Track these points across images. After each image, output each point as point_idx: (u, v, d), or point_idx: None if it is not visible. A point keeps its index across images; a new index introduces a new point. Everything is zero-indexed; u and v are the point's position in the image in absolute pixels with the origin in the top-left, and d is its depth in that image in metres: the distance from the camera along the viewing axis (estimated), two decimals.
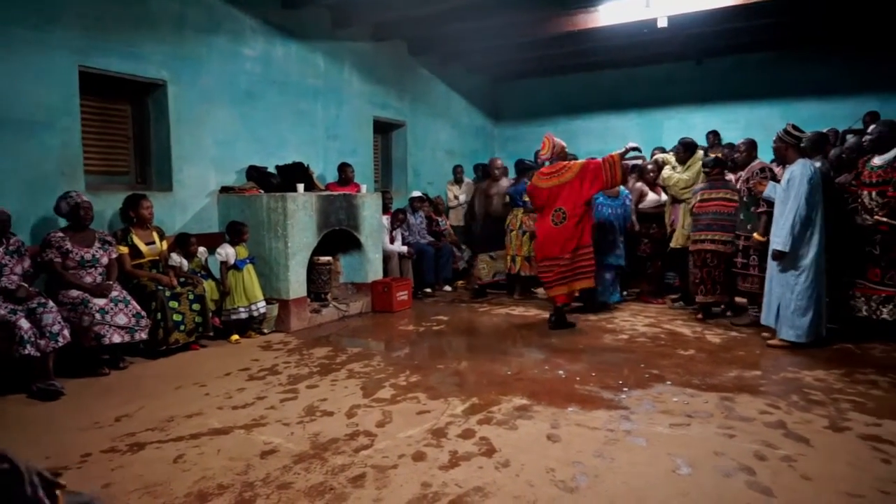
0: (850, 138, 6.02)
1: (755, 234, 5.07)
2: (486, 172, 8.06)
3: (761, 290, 5.04)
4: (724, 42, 8.47)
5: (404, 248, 7.20)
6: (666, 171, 6.18)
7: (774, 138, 4.87)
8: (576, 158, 6.07)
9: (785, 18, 7.33)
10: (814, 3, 6.85)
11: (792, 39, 8.40)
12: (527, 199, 6.16)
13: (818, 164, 4.87)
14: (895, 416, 3.33)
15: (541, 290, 6.63)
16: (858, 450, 2.93)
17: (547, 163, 5.57)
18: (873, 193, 4.72)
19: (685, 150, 6.20)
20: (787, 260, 4.61)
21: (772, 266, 4.79)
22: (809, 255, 4.57)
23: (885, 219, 4.59)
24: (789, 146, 4.73)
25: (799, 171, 4.55)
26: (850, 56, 8.34)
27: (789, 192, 4.56)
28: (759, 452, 2.89)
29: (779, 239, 4.57)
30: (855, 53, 8.30)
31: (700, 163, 6.01)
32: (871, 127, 4.92)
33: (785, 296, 4.67)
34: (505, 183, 7.26)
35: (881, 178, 4.68)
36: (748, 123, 8.69)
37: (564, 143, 5.63)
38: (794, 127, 4.73)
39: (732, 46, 8.72)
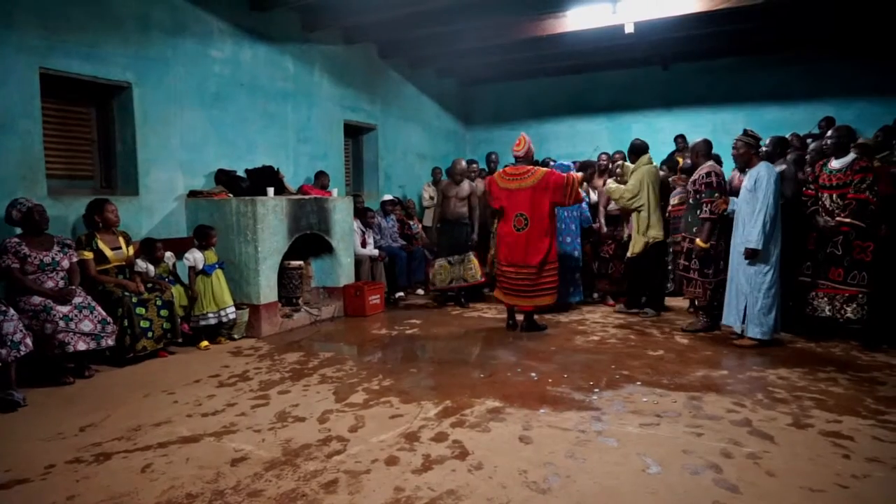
0: (810, 142, 6.21)
1: (698, 241, 5.14)
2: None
3: (704, 297, 5.24)
4: (688, 48, 8.66)
5: (376, 252, 7.17)
6: (611, 184, 6.17)
7: (734, 144, 4.95)
8: (540, 165, 6.14)
9: (747, 25, 7.53)
10: (773, 12, 7.03)
11: (753, 46, 8.64)
12: None
13: (783, 167, 5.02)
14: (855, 413, 3.44)
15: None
16: (820, 446, 3.02)
17: (514, 161, 5.54)
18: (834, 196, 4.87)
19: (631, 152, 6.14)
20: (764, 260, 4.70)
21: (736, 267, 4.89)
22: (775, 254, 4.73)
23: (847, 220, 4.73)
24: (750, 150, 4.86)
25: (766, 172, 4.69)
26: (808, 63, 8.61)
27: (757, 193, 4.67)
28: (726, 450, 2.96)
29: (752, 238, 4.67)
30: (812, 61, 8.56)
31: (645, 167, 5.94)
32: (829, 132, 5.07)
33: (752, 294, 4.78)
34: (467, 186, 6.82)
35: (841, 181, 4.83)
36: (713, 127, 8.89)
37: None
38: (751, 131, 4.88)
39: (697, 52, 8.92)
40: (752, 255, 4.71)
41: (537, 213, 5.27)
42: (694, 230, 5.24)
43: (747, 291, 4.81)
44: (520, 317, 5.65)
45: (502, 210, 5.46)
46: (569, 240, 6.39)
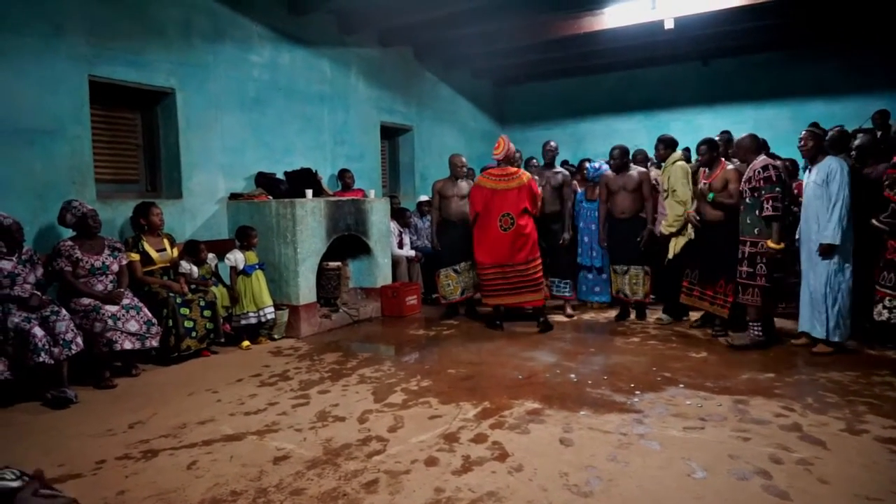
0: (861, 137, 5.98)
1: (769, 242, 4.64)
2: None
3: (763, 303, 4.73)
4: (730, 43, 8.45)
5: (412, 253, 7.20)
6: (664, 228, 5.62)
7: (802, 136, 4.64)
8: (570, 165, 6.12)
9: (791, 18, 7.32)
10: (820, 3, 6.82)
11: (798, 39, 8.39)
12: None
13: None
14: None
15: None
16: (875, 452, 2.91)
17: (496, 163, 5.66)
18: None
19: (667, 146, 5.70)
20: (842, 256, 4.48)
21: (812, 270, 4.61)
22: (849, 253, 4.49)
23: (874, 221, 4.54)
24: (819, 141, 4.59)
25: (838, 166, 4.45)
26: (857, 55, 8.31)
27: (830, 186, 4.43)
28: (775, 456, 2.87)
29: (828, 233, 4.42)
30: (861, 52, 8.27)
31: (680, 164, 5.53)
32: None
33: (831, 296, 4.52)
34: (465, 185, 6.25)
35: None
36: (756, 124, 8.64)
37: (518, 151, 5.97)
38: (817, 125, 4.64)
39: (739, 47, 8.71)
40: (827, 251, 4.45)
41: (520, 212, 5.46)
42: (756, 231, 4.72)
43: (825, 293, 4.52)
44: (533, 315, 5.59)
45: (480, 211, 5.58)
46: (589, 239, 6.36)
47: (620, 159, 5.83)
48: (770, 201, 4.60)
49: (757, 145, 4.93)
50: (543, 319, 5.62)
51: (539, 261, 5.58)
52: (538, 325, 5.61)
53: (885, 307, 4.48)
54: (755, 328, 4.82)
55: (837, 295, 4.52)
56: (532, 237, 5.52)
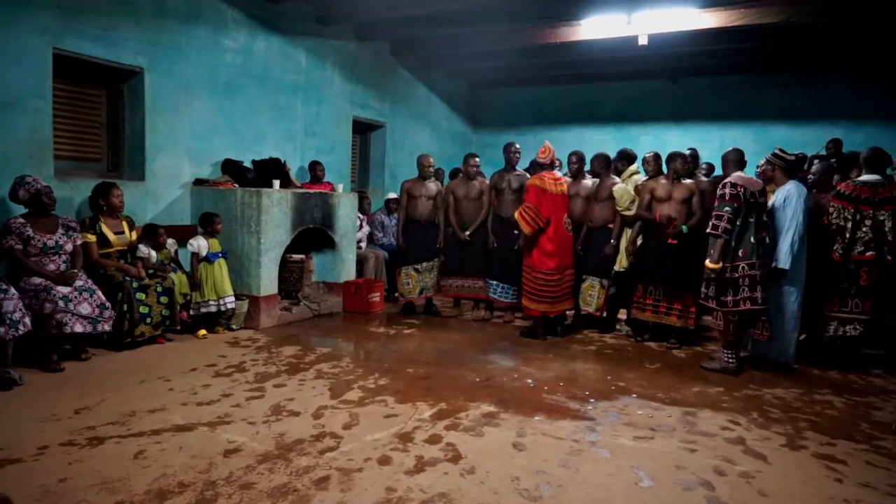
0: (816, 163, 6.20)
1: (707, 262, 4.52)
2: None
3: (726, 330, 4.61)
4: (701, 63, 8.68)
5: (367, 230, 7.35)
6: (619, 189, 5.60)
7: (762, 162, 4.85)
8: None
9: (760, 44, 7.55)
10: (787, 32, 7.04)
11: (766, 65, 8.66)
12: None
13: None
14: (849, 437, 3.43)
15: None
16: (813, 468, 3.02)
17: (545, 167, 5.51)
18: None
19: (622, 158, 5.84)
20: (789, 279, 4.58)
21: (778, 293, 4.67)
22: (803, 274, 4.63)
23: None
24: (777, 168, 4.69)
25: (796, 190, 4.57)
26: (819, 83, 8.63)
27: (786, 210, 4.54)
28: (719, 468, 2.96)
29: (780, 257, 4.52)
30: (823, 81, 8.59)
31: (634, 178, 5.62)
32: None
33: (776, 316, 4.66)
34: (433, 185, 6.35)
35: None
36: (721, 143, 8.84)
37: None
38: (783, 150, 4.71)
39: (709, 68, 8.94)
40: (781, 276, 4.56)
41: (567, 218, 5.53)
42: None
43: (772, 313, 4.65)
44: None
45: (548, 216, 5.34)
46: None
47: (589, 166, 5.94)
48: (714, 218, 4.50)
49: (739, 159, 4.84)
50: (562, 327, 5.73)
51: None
52: (559, 329, 5.71)
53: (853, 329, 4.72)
54: (726, 355, 4.66)
55: (779, 316, 4.66)
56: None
